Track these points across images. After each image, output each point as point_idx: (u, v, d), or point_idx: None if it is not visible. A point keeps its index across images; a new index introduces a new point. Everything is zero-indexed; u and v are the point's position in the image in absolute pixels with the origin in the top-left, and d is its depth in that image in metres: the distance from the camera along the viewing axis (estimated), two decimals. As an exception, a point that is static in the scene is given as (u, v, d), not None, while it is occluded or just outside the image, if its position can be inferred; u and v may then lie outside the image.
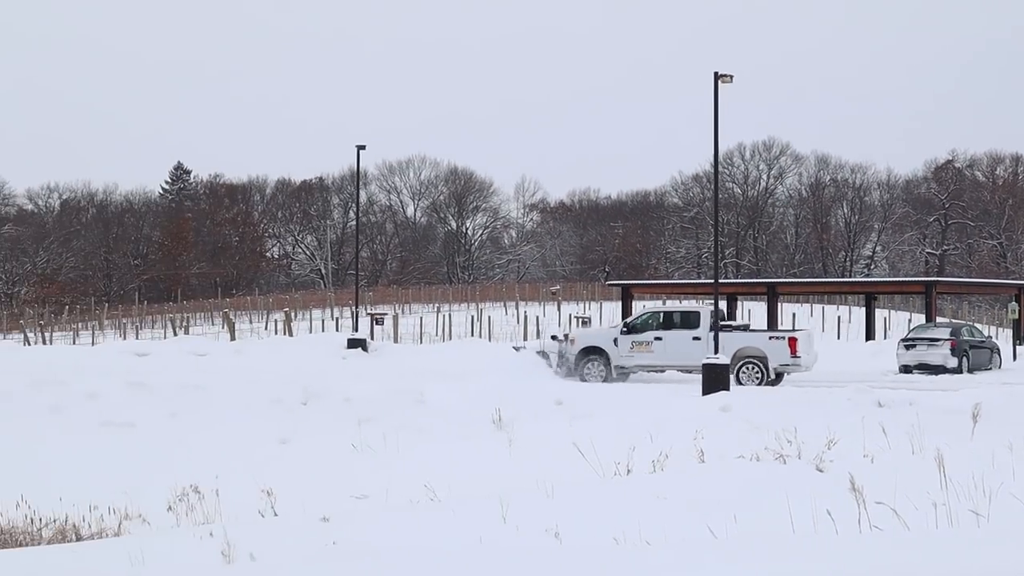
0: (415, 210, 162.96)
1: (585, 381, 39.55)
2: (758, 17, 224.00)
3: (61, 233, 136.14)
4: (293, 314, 75.45)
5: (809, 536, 11.44)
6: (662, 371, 41.51)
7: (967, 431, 18.11)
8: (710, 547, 10.94)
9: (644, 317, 42.72)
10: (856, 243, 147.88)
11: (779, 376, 40.38)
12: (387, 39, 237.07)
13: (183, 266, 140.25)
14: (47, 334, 79.50)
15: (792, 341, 40.51)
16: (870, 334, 64.05)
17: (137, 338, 79.15)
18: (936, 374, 44.40)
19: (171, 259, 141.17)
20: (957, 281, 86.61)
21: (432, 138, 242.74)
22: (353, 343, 51.68)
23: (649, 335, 40.91)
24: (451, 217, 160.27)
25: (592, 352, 41.14)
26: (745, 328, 45.20)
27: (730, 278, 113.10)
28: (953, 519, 11.66)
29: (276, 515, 15.13)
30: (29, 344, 67.93)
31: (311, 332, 74.73)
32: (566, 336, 44.14)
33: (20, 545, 14.95)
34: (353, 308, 68.64)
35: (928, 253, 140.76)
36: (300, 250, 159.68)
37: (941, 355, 45.83)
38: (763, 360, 39.87)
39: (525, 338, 64.62)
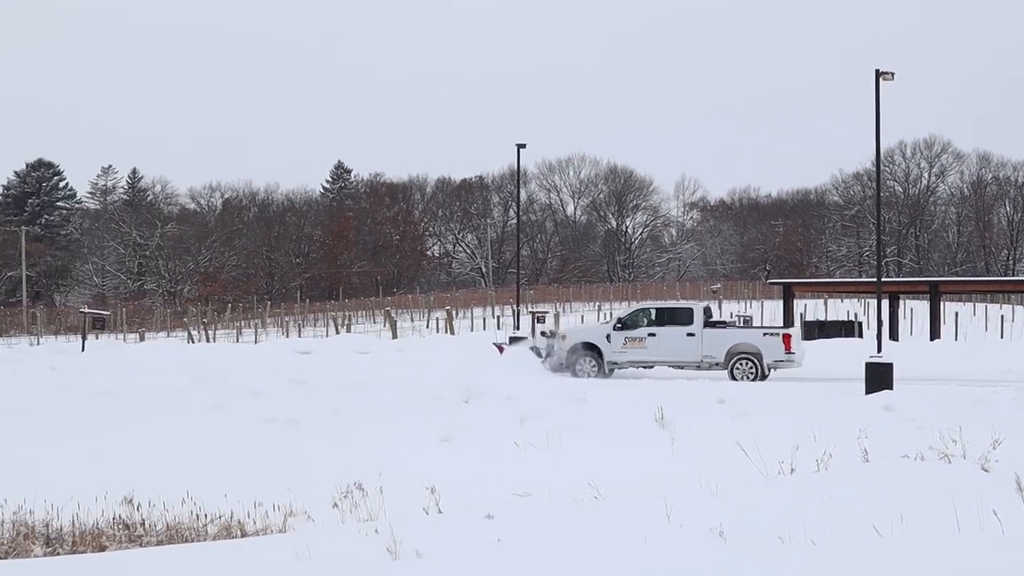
0: (575, 208, 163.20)
1: (577, 377, 39.59)
2: (918, 10, 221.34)
3: (223, 232, 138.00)
4: (454, 312, 75.77)
5: (975, 537, 11.30)
6: (651, 367, 41.42)
7: None
8: (876, 547, 10.84)
9: (637, 313, 42.73)
10: (1019, 241, 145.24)
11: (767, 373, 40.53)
12: (546, 38, 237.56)
13: (344, 264, 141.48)
14: (210, 332, 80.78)
15: (786, 338, 40.99)
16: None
17: (299, 336, 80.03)
18: None
19: (332, 258, 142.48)
20: None
21: (591, 136, 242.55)
22: (514, 341, 51.88)
23: (642, 331, 41.12)
24: (611, 216, 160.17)
25: (585, 348, 41.35)
26: (736, 325, 45.36)
27: (891, 276, 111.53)
28: None
29: (440, 512, 15.16)
30: (193, 342, 69.06)
31: (472, 330, 74.99)
32: (554, 333, 44.56)
33: (186, 541, 15.15)
34: (514, 306, 68.86)
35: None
36: (460, 248, 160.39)
37: None
38: (757, 356, 40.18)
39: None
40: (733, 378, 39.41)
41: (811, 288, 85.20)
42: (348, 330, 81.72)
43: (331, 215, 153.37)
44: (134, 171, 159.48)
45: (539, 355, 42.16)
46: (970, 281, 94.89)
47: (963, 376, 39.08)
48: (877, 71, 36.24)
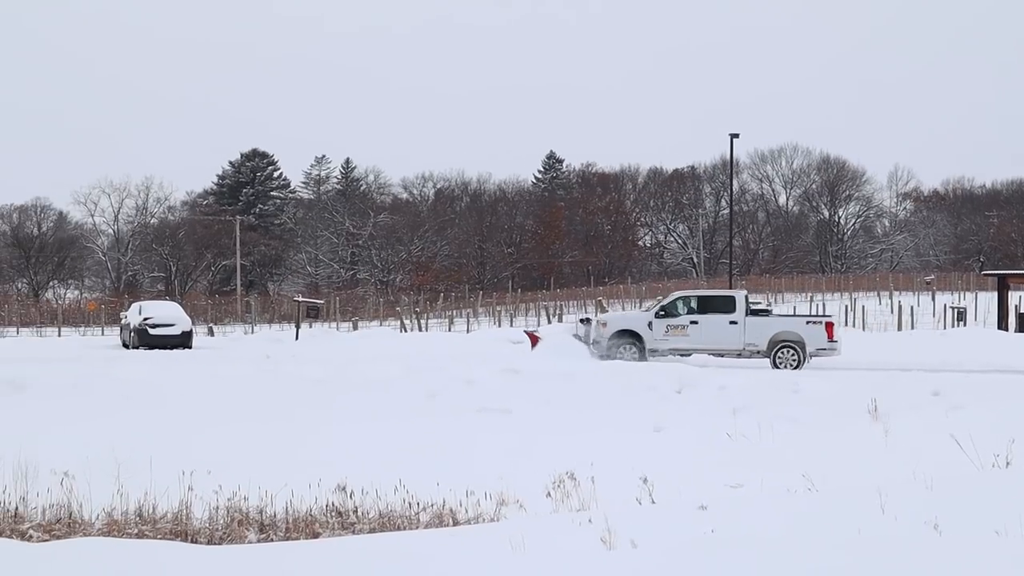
0: (787, 198, 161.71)
1: (615, 362, 38.81)
2: None
3: (436, 222, 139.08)
4: (666, 303, 75.47)
5: None
6: (688, 355, 40.97)
7: None
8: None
9: (678, 301, 42.31)
10: None
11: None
12: (749, 26, 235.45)
13: (556, 254, 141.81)
14: (423, 321, 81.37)
15: (829, 326, 40.86)
16: None
17: (511, 325, 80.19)
18: None
19: (544, 247, 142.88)
20: None
21: (804, 126, 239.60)
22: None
23: (684, 319, 40.87)
24: (823, 206, 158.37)
25: (626, 335, 41.07)
26: (768, 313, 44.70)
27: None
28: None
29: (654, 503, 15.11)
30: (405, 331, 69.57)
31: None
32: (589, 320, 44.27)
33: (398, 529, 15.26)
34: (725, 297, 68.45)
35: None
36: (672, 238, 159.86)
37: None
38: (800, 344, 39.98)
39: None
40: (776, 366, 39.38)
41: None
42: (560, 319, 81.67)
43: (543, 205, 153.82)
44: (347, 161, 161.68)
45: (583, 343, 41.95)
46: None
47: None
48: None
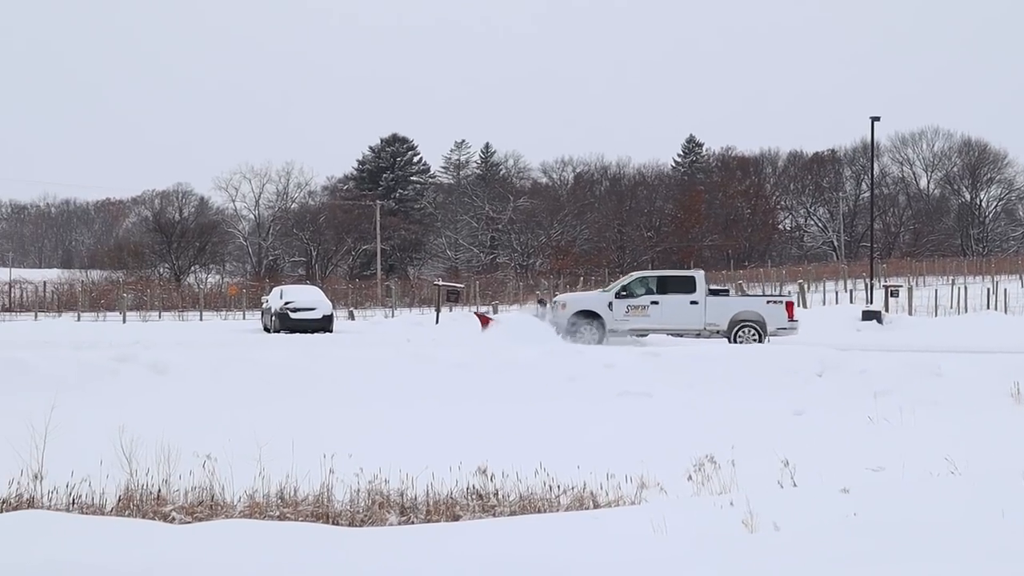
0: (928, 182, 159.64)
1: (576, 344, 38.38)
2: None
3: (575, 206, 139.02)
4: (806, 286, 74.98)
5: None
6: (644, 335, 41.31)
7: None
8: None
9: (638, 282, 42.38)
10: None
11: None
12: (890, 7, 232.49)
13: (695, 238, 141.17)
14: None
15: (789, 305, 41.92)
16: None
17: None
18: None
19: (683, 231, 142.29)
20: None
21: (945, 108, 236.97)
22: (868, 315, 51.22)
23: (645, 299, 41.25)
24: (964, 189, 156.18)
25: (585, 316, 41.12)
26: (727, 293, 45.19)
27: None
28: None
29: (795, 485, 15.01)
30: (545, 315, 69.64)
31: (824, 304, 74.08)
32: (544, 301, 44.86)
33: (539, 511, 15.25)
34: (867, 280, 67.72)
35: None
36: (812, 222, 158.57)
37: None
38: (761, 324, 40.93)
39: None
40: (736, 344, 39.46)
41: None
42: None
43: (682, 188, 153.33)
44: (487, 146, 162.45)
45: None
46: None
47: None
48: None
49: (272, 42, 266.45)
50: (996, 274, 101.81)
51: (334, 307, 57.24)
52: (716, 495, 14.21)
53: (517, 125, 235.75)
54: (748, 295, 50.37)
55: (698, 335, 41.18)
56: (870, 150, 77.32)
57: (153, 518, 13.89)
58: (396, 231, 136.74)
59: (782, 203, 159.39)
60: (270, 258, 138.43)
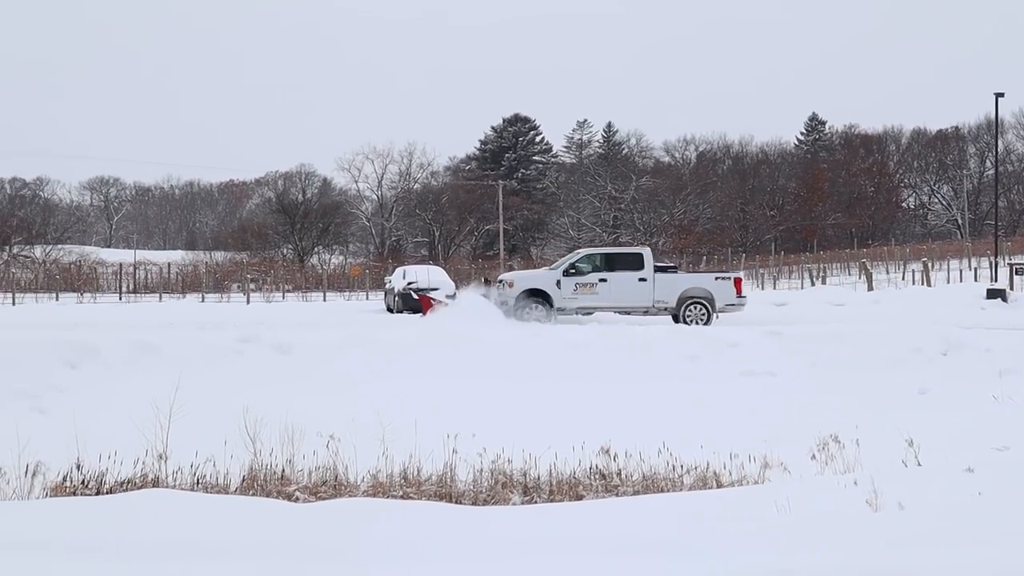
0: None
1: (523, 323, 37.83)
2: None
3: (698, 185, 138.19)
4: (930, 264, 74.13)
5: None
6: (590, 313, 40.48)
7: None
8: None
9: (585, 259, 41.41)
10: None
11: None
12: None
13: (818, 216, 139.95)
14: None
15: (737, 281, 41.18)
16: None
17: (774, 288, 79.69)
18: None
19: (806, 209, 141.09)
20: None
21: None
22: (992, 293, 50.47)
23: (594, 277, 40.33)
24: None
25: (533, 295, 40.28)
26: (675, 270, 43.74)
27: None
28: None
29: (920, 465, 14.87)
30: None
31: (948, 282, 73.18)
32: (489, 281, 44.47)
33: (662, 491, 15.23)
34: (991, 258, 66.76)
35: None
36: (936, 200, 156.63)
37: None
38: (710, 300, 40.35)
39: None
40: (685, 322, 39.39)
41: None
42: (823, 282, 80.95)
43: (805, 167, 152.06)
44: (609, 125, 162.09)
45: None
46: None
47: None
48: None
49: (395, 23, 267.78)
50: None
51: (457, 287, 57.35)
52: (840, 474, 14.13)
53: (639, 103, 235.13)
54: (697, 272, 49.96)
55: (646, 312, 40.93)
56: (994, 127, 75.98)
57: (277, 497, 14.02)
58: (519, 211, 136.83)
59: (905, 181, 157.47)
60: (393, 238, 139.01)
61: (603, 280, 40.44)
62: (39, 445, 15.41)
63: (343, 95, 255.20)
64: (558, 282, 40.54)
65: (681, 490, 15.15)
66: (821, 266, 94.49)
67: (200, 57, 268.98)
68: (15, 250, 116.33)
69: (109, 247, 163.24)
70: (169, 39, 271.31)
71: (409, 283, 53.45)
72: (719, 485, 15.54)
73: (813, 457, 15.94)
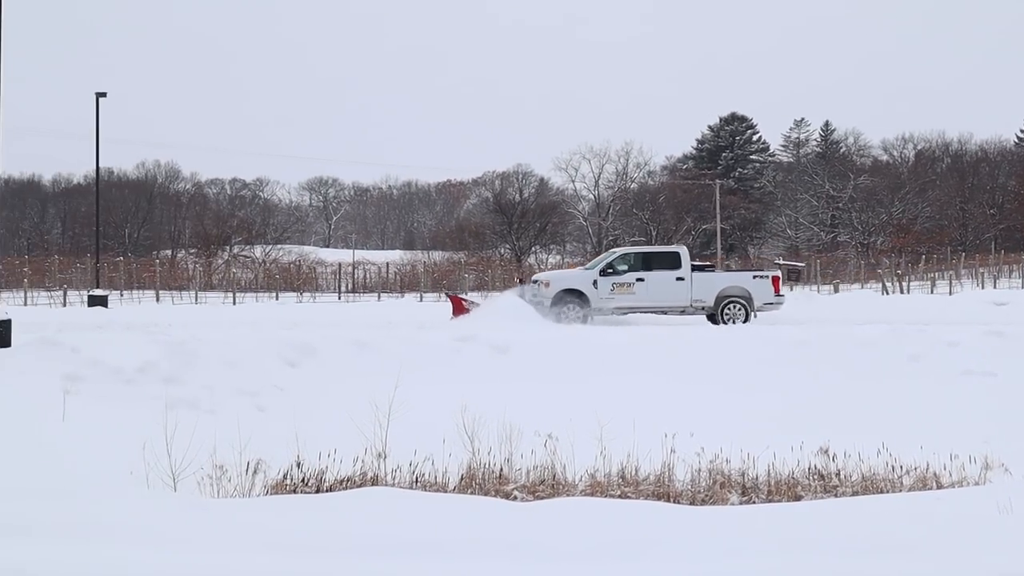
0: None
1: (560, 325, 36.87)
2: None
3: (916, 183, 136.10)
4: None
5: None
6: (626, 313, 39.95)
7: None
8: None
9: (621, 258, 40.91)
10: None
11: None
12: None
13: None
14: (903, 284, 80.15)
15: (775, 280, 41.00)
16: None
17: (995, 287, 78.25)
18: None
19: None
20: None
21: None
22: None
23: (630, 276, 40.11)
24: None
25: (570, 295, 39.83)
26: (712, 269, 43.66)
27: None
28: None
29: None
30: (887, 293, 68.65)
31: None
32: (523, 280, 43.41)
33: (880, 491, 15.07)
34: None
35: None
36: None
37: None
38: (748, 300, 40.31)
39: None
40: (723, 322, 39.55)
41: None
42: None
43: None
44: (826, 123, 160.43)
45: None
46: None
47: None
48: None
49: (612, 22, 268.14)
50: None
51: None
52: (1067, 477, 13.84)
53: (856, 101, 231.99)
54: (735, 271, 49.36)
55: (683, 312, 40.67)
56: None
57: (495, 496, 14.07)
58: (735, 210, 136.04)
59: None
60: (610, 238, 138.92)
61: (640, 280, 40.35)
62: (259, 443, 15.71)
63: (558, 94, 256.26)
64: (595, 282, 40.41)
65: (900, 491, 14.96)
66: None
67: (414, 59, 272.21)
68: (235, 250, 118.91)
69: (328, 247, 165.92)
70: (382, 44, 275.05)
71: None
72: (939, 486, 15.37)
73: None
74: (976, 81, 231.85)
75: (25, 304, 68.55)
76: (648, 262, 40.98)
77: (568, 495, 14.31)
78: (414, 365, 25.37)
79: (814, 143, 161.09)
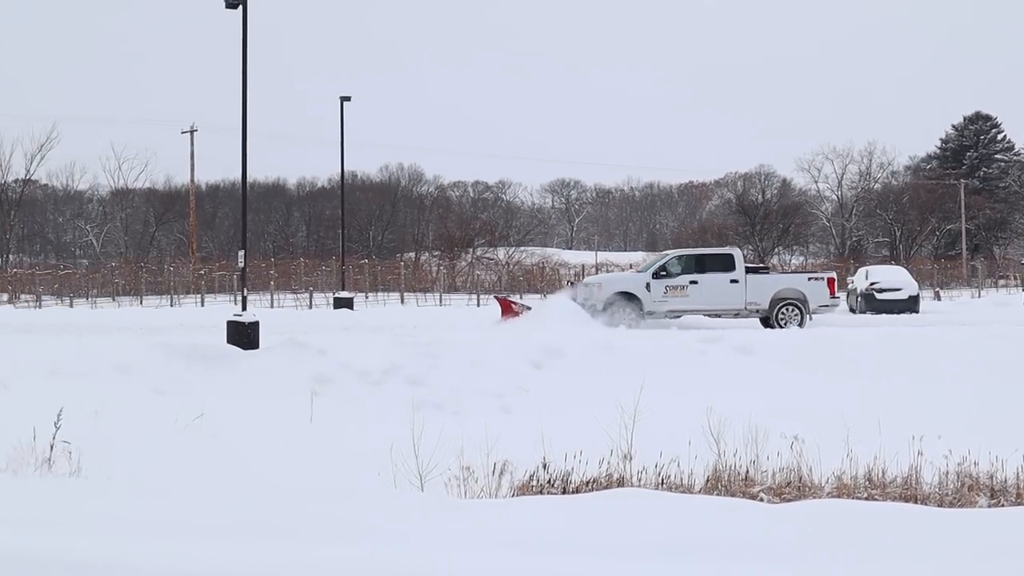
0: None
1: (613, 328, 35.24)
2: None
3: None
4: None
5: None
6: (679, 316, 39.14)
7: None
8: None
9: (675, 261, 39.88)
10: None
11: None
12: None
13: None
14: None
15: (831, 282, 40.47)
16: None
17: None
18: None
19: None
20: None
21: None
22: None
23: (684, 279, 39.46)
24: None
25: (622, 297, 38.88)
26: (767, 271, 42.55)
27: None
28: None
29: None
30: None
31: None
32: (573, 283, 42.42)
33: None
34: None
35: None
36: None
37: None
38: (803, 302, 39.72)
39: None
40: (778, 325, 39.06)
41: None
42: None
43: None
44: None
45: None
46: None
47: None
48: None
49: (856, 24, 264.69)
50: None
51: (919, 287, 56.36)
52: None
53: None
54: (789, 272, 47.76)
55: (737, 315, 39.89)
56: None
57: (741, 498, 14.04)
58: (980, 210, 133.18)
59: None
60: (853, 239, 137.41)
61: (694, 282, 39.71)
62: (505, 444, 15.87)
63: (799, 94, 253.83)
64: (647, 284, 39.78)
65: None
66: None
67: (653, 56, 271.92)
68: (479, 252, 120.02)
69: (570, 249, 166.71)
70: (629, 43, 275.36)
71: (871, 284, 52.90)
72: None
73: None
74: None
75: (271, 306, 70.37)
76: (702, 264, 40.47)
77: (815, 497, 14.21)
78: (659, 366, 25.42)
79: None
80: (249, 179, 33.57)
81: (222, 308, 58.34)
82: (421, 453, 15.25)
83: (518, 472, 15.23)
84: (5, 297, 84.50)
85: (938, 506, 14.27)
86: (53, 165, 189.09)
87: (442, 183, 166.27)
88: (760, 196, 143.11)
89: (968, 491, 15.10)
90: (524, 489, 14.83)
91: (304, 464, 17.43)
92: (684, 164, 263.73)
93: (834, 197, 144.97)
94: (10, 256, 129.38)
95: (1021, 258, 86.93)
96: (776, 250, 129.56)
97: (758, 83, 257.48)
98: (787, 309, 39.80)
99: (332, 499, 11.76)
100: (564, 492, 14.65)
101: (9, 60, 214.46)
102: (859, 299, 52.93)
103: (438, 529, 10.41)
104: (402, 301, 78.55)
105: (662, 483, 15.18)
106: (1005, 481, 15.44)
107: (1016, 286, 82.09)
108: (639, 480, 15.17)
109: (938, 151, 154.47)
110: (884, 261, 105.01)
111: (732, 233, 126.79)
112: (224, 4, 33.96)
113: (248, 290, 35.12)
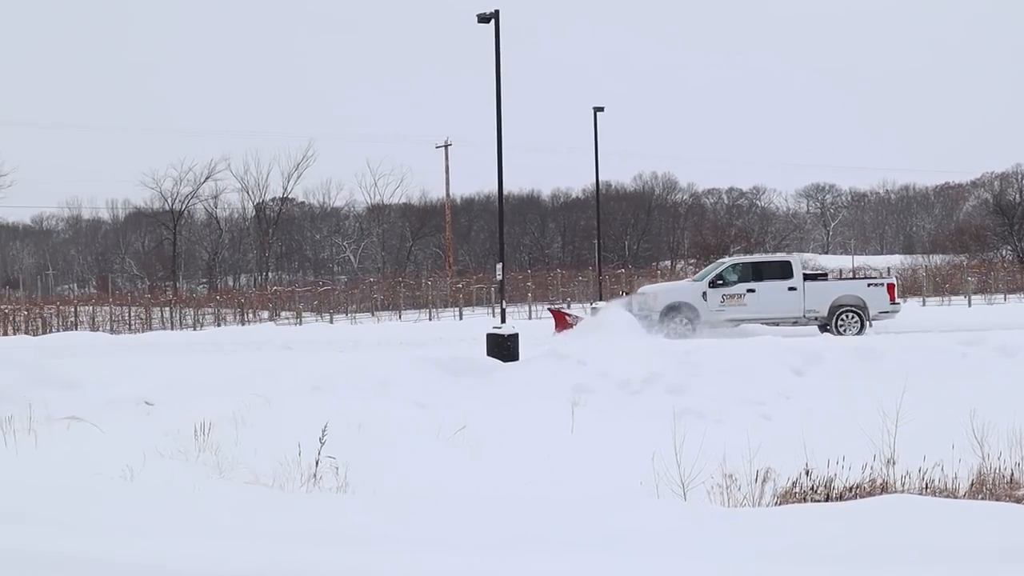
0: None
1: (669, 338, 34.31)
2: None
3: None
4: None
5: None
6: (737, 325, 38.32)
7: None
8: None
9: (731, 269, 39.04)
10: None
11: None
12: None
13: None
14: None
15: (891, 287, 40.22)
16: None
17: None
18: None
19: None
20: None
21: None
22: None
23: (741, 287, 39.39)
24: None
25: (678, 307, 38.34)
26: (825, 277, 43.25)
27: None
28: None
29: None
30: None
31: None
32: (642, 293, 40.78)
33: None
34: None
35: None
36: None
37: None
38: (863, 308, 39.37)
39: None
40: (837, 332, 38.55)
41: None
42: None
43: None
44: None
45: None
46: None
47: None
48: None
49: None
50: None
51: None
52: None
53: None
54: (848, 279, 45.59)
55: (795, 323, 39.31)
56: None
57: (1006, 501, 13.90)
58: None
59: None
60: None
61: (751, 291, 39.38)
62: (767, 451, 15.93)
63: None
64: (704, 294, 39.38)
65: None
66: None
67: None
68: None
69: (826, 253, 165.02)
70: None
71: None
72: None
73: None
74: None
75: (529, 318, 70.95)
76: (759, 272, 40.05)
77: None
78: (919, 370, 25.16)
79: None
80: (504, 191, 34.14)
81: (480, 321, 59.10)
82: (683, 461, 15.36)
83: (780, 479, 15.26)
84: (266, 315, 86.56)
85: None
86: (310, 183, 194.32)
87: (696, 191, 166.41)
88: (1018, 196, 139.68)
89: None
90: (787, 496, 14.85)
91: (566, 474, 17.66)
92: (940, 165, 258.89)
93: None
94: (269, 274, 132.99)
95: None
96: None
97: (1009, 81, 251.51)
98: (847, 316, 39.53)
99: (592, 509, 11.93)
100: (827, 499, 14.63)
101: (270, 83, 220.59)
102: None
103: (704, 538, 10.53)
104: (658, 309, 78.55)
105: (926, 488, 15.08)
106: None
107: None
108: (903, 485, 15.08)
109: None
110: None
111: (990, 234, 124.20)
112: (476, 19, 34.62)
113: (506, 302, 35.71)
